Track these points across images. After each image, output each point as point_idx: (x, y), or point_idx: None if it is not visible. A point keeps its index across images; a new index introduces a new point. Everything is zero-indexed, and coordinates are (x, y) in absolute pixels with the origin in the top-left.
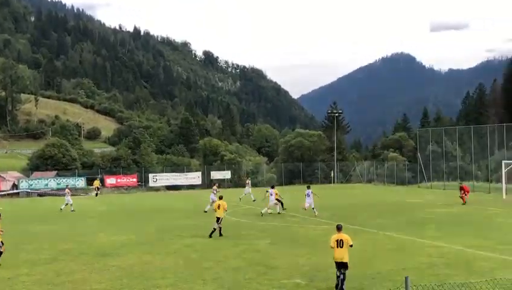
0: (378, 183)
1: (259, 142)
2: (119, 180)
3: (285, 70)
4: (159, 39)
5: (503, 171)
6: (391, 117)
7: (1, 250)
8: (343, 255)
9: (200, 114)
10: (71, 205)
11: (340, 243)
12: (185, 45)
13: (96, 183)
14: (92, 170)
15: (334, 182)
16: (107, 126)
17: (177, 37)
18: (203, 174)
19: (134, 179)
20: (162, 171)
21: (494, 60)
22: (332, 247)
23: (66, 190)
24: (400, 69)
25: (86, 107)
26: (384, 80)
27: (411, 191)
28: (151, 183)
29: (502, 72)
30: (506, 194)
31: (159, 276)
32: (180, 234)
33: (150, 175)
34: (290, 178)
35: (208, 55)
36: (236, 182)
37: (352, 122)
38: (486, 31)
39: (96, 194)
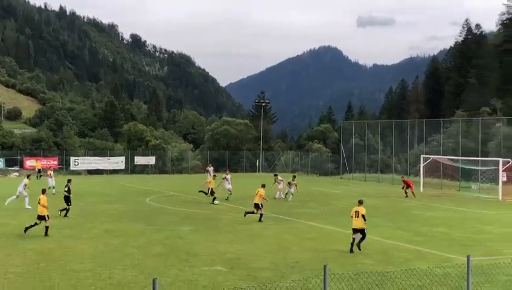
0: (302, 174)
1: (186, 128)
2: (41, 162)
3: (213, 57)
4: (85, 20)
5: (421, 165)
6: (317, 109)
7: (47, 225)
8: (358, 223)
9: (126, 98)
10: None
11: (356, 214)
12: (112, 27)
13: (38, 165)
14: (12, 151)
15: (259, 171)
16: (29, 107)
17: (104, 19)
18: (126, 159)
19: (55, 162)
20: (85, 155)
21: (417, 58)
22: (351, 216)
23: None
24: (326, 62)
25: (7, 86)
26: (312, 72)
27: (333, 182)
28: (72, 167)
29: (424, 69)
30: (423, 187)
31: (78, 261)
32: (101, 219)
33: (72, 158)
34: (215, 166)
35: (135, 38)
36: (160, 168)
37: (279, 113)
38: (410, 29)
39: (38, 177)
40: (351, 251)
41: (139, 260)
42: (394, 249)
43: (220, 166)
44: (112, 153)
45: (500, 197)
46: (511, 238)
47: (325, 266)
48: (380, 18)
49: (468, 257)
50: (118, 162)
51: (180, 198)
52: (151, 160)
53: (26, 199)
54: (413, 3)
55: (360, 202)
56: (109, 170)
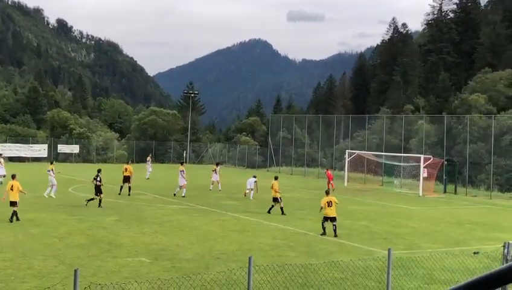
0: (230, 166)
1: (112, 117)
2: None
3: (142, 46)
4: (9, 3)
5: (346, 159)
6: (246, 101)
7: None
8: (332, 212)
9: (50, 84)
10: None
11: (329, 204)
12: (38, 11)
13: None
14: None
15: (186, 162)
16: None
17: (30, 2)
18: (49, 147)
19: None
20: (5, 142)
21: (345, 54)
22: (322, 207)
23: None
24: (256, 55)
25: None
26: (241, 64)
27: (260, 175)
28: None
29: (352, 66)
30: (347, 181)
31: None
32: (21, 208)
33: None
34: (141, 156)
35: (61, 23)
36: (84, 157)
37: (208, 104)
38: (339, 25)
39: None
40: (324, 233)
41: (60, 250)
42: (317, 242)
43: (146, 156)
44: (34, 141)
45: (421, 193)
46: (429, 233)
47: (249, 257)
48: (310, 13)
49: (389, 250)
50: (40, 149)
51: (104, 188)
52: (75, 148)
53: (54, 188)
54: (344, 0)
55: (327, 193)
56: (31, 157)
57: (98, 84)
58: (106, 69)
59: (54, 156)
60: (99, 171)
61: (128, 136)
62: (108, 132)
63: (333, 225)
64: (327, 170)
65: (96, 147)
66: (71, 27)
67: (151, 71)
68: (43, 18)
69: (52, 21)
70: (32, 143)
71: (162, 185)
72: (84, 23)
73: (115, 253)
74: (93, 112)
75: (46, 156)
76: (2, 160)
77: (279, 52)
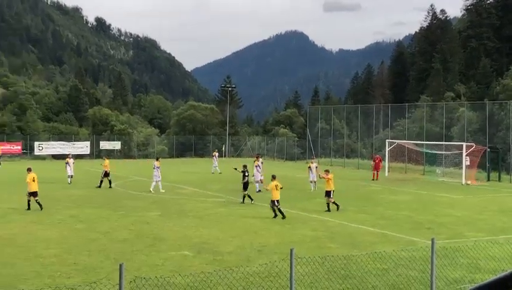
0: (268, 158)
1: (151, 113)
2: (2, 147)
3: (179, 42)
4: (48, 3)
5: (387, 149)
6: (283, 94)
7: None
8: (279, 195)
9: (90, 82)
10: None
11: (277, 187)
12: (76, 10)
13: None
14: None
15: (225, 156)
16: None
17: (68, 2)
18: (91, 144)
19: (19, 147)
20: (49, 140)
21: (382, 43)
22: (268, 189)
23: None
24: (293, 47)
25: None
26: (278, 57)
27: (299, 167)
28: (36, 152)
29: (389, 55)
30: (388, 171)
31: (42, 246)
32: (66, 205)
33: (36, 143)
34: (181, 150)
35: (100, 22)
36: (126, 153)
37: (245, 97)
38: (375, 14)
39: None
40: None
41: (104, 245)
42: (359, 233)
43: (186, 150)
44: (77, 138)
45: (464, 181)
46: (473, 221)
47: (291, 249)
48: (347, 3)
49: (432, 239)
50: (82, 147)
51: (146, 183)
52: (116, 145)
53: (154, 184)
54: None
55: (274, 177)
56: (74, 154)
57: (137, 81)
58: (145, 66)
59: (96, 153)
60: (245, 167)
61: (168, 131)
62: (149, 128)
63: (278, 206)
64: (376, 157)
65: (137, 143)
66: (109, 25)
67: (189, 66)
68: (82, 17)
69: (91, 19)
70: (74, 141)
71: (202, 178)
72: (122, 21)
73: (159, 247)
74: (134, 109)
75: (88, 153)
76: (71, 161)
77: (315, 43)
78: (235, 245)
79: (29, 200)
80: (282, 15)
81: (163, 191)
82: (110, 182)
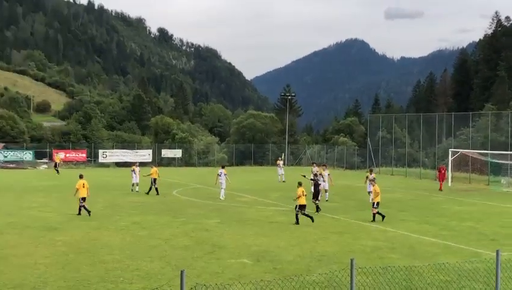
0: (328, 167)
1: (212, 122)
2: (68, 155)
3: (240, 51)
4: (113, 14)
5: (450, 159)
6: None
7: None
8: (305, 201)
9: (153, 91)
10: None
11: (303, 193)
12: (140, 21)
13: (57, 158)
14: (41, 144)
15: (284, 164)
16: (58, 100)
17: (132, 13)
18: (153, 152)
19: (84, 155)
20: (113, 148)
21: (445, 50)
22: (298, 196)
23: None
24: (353, 55)
25: (37, 79)
26: (338, 65)
27: (360, 176)
28: (100, 159)
29: (453, 62)
30: (451, 181)
31: (105, 252)
32: (128, 211)
33: (100, 151)
34: (241, 159)
35: (162, 32)
36: (187, 161)
37: (305, 106)
38: (439, 21)
39: (58, 171)
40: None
41: (165, 252)
42: (421, 244)
43: (246, 159)
44: (140, 146)
45: None
46: None
47: (351, 259)
48: (409, 10)
49: (497, 251)
50: (145, 154)
51: (206, 191)
52: (177, 153)
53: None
54: None
55: (300, 184)
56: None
57: (198, 90)
58: (206, 75)
59: (158, 161)
60: (316, 175)
61: (228, 139)
62: (209, 136)
63: (305, 212)
64: (442, 167)
65: (198, 151)
66: (172, 35)
67: (249, 75)
68: (145, 27)
69: (154, 30)
70: (137, 148)
71: (262, 187)
72: (184, 31)
73: (218, 254)
74: (194, 117)
75: (150, 160)
76: (137, 169)
77: (376, 51)
78: (295, 254)
79: (81, 206)
80: (342, 23)
81: (223, 199)
82: (156, 189)
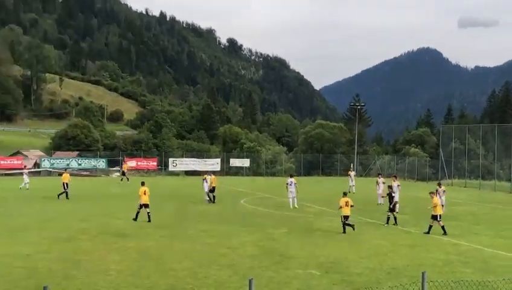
0: (399, 179)
1: (279, 131)
2: (139, 163)
3: (308, 61)
4: (184, 25)
5: None
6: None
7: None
8: (348, 211)
9: (222, 101)
10: (27, 184)
11: (347, 204)
12: (210, 31)
13: (125, 166)
14: (114, 152)
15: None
16: (130, 109)
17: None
18: (222, 161)
19: (155, 163)
20: (182, 156)
21: None
22: (341, 206)
23: (25, 169)
24: (425, 64)
25: (110, 89)
26: (409, 74)
27: (431, 188)
28: (170, 168)
29: None
30: None
31: (175, 260)
32: (197, 219)
33: (170, 159)
34: (308, 169)
35: (232, 42)
36: (254, 171)
37: (375, 116)
38: None
39: (122, 179)
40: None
41: (233, 260)
42: (495, 258)
43: (314, 169)
44: (208, 155)
45: None
46: None
47: (423, 273)
48: (483, 19)
49: None
50: (213, 163)
51: (273, 200)
52: (245, 162)
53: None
54: None
55: (345, 194)
56: (205, 171)
57: (267, 100)
58: (274, 85)
59: (226, 170)
60: (390, 187)
61: (296, 149)
62: (277, 146)
63: (347, 221)
64: None
65: (266, 160)
66: (241, 45)
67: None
68: (215, 38)
69: (224, 41)
70: (206, 157)
71: (330, 197)
72: (253, 41)
73: (286, 264)
74: (262, 127)
75: (219, 169)
76: (209, 177)
77: (449, 60)
78: (364, 266)
79: (138, 212)
80: (414, 32)
81: (292, 207)
82: (214, 197)
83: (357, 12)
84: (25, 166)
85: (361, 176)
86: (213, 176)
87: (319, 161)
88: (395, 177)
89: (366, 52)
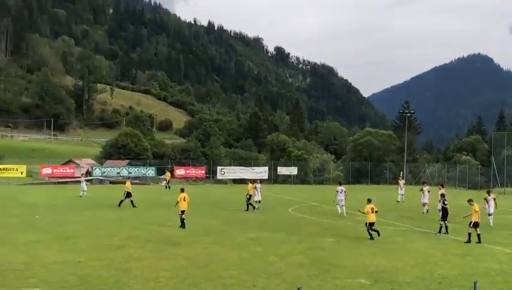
0: (449, 187)
1: (327, 139)
2: (188, 171)
3: (356, 68)
4: (232, 34)
5: None
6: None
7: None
8: (375, 218)
9: (269, 109)
10: (85, 192)
11: (373, 210)
12: (257, 40)
13: (168, 175)
14: (163, 161)
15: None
16: (179, 118)
17: (250, 33)
18: (270, 169)
19: (203, 171)
20: (230, 165)
21: None
22: (367, 212)
23: (82, 177)
24: (476, 70)
25: (159, 98)
26: (460, 81)
27: (483, 196)
28: (218, 176)
29: None
30: None
31: (223, 267)
32: (245, 228)
33: (218, 168)
34: (357, 177)
35: (279, 51)
36: (302, 179)
37: (424, 123)
38: None
39: (166, 187)
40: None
41: (281, 269)
42: None
43: (362, 177)
44: (256, 163)
45: None
46: None
47: (475, 282)
48: None
49: None
50: (261, 171)
51: (321, 209)
52: (293, 170)
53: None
54: None
55: (370, 201)
56: (253, 179)
57: (314, 108)
58: (321, 92)
59: (274, 178)
60: (443, 195)
61: (344, 157)
62: (325, 154)
63: (373, 228)
64: None
65: (313, 168)
66: (288, 54)
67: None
68: (263, 46)
69: (271, 49)
70: (253, 166)
71: (379, 206)
72: (300, 49)
73: (334, 273)
74: (310, 135)
75: (266, 178)
76: (259, 185)
77: (501, 66)
78: (414, 275)
79: (182, 219)
80: (464, 38)
81: (340, 215)
82: (250, 205)
83: (405, 19)
84: (82, 174)
85: (410, 184)
86: (250, 184)
87: (367, 169)
88: (442, 185)
89: (415, 58)
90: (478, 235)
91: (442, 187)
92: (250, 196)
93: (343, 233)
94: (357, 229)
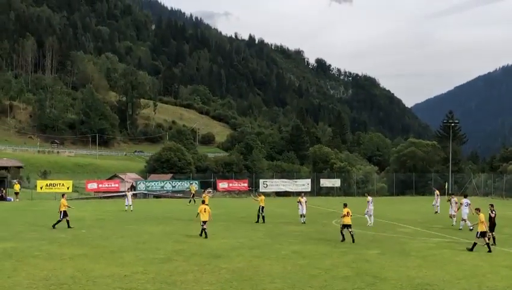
0: (496, 197)
1: (370, 150)
2: (230, 184)
3: (398, 78)
4: (273, 47)
5: None
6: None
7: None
8: (350, 220)
9: (311, 121)
10: (130, 206)
11: (348, 214)
12: (298, 53)
13: (193, 188)
14: (206, 174)
15: (446, 194)
16: (221, 132)
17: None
18: (312, 181)
19: (245, 184)
20: (272, 177)
21: None
22: (343, 216)
23: (126, 192)
24: None
25: (201, 113)
26: (505, 89)
27: None
28: (261, 189)
29: None
30: None
31: (267, 280)
32: (289, 240)
33: (261, 181)
34: (401, 188)
35: (320, 63)
36: (345, 191)
37: (469, 133)
38: None
39: (190, 201)
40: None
41: (325, 282)
42: None
43: (407, 188)
44: (298, 176)
45: None
46: None
47: None
48: None
49: None
50: (304, 184)
51: (365, 221)
52: (336, 182)
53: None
54: None
55: (346, 205)
56: (296, 192)
57: (356, 119)
58: (364, 104)
59: (317, 190)
60: (491, 205)
61: (387, 168)
62: (368, 165)
63: (351, 231)
64: None
65: (357, 180)
66: (329, 65)
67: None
68: (303, 59)
69: (312, 61)
70: (296, 178)
71: (424, 217)
72: (341, 61)
73: (380, 286)
74: (352, 146)
75: (309, 190)
76: (303, 199)
77: None
78: (461, 288)
79: (202, 229)
80: (509, 46)
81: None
82: (263, 217)
83: (448, 28)
84: (128, 189)
85: (456, 195)
86: (262, 196)
87: (412, 180)
88: (465, 196)
89: (458, 68)
90: (487, 244)
91: (466, 197)
92: (263, 207)
93: (387, 245)
94: (402, 241)
